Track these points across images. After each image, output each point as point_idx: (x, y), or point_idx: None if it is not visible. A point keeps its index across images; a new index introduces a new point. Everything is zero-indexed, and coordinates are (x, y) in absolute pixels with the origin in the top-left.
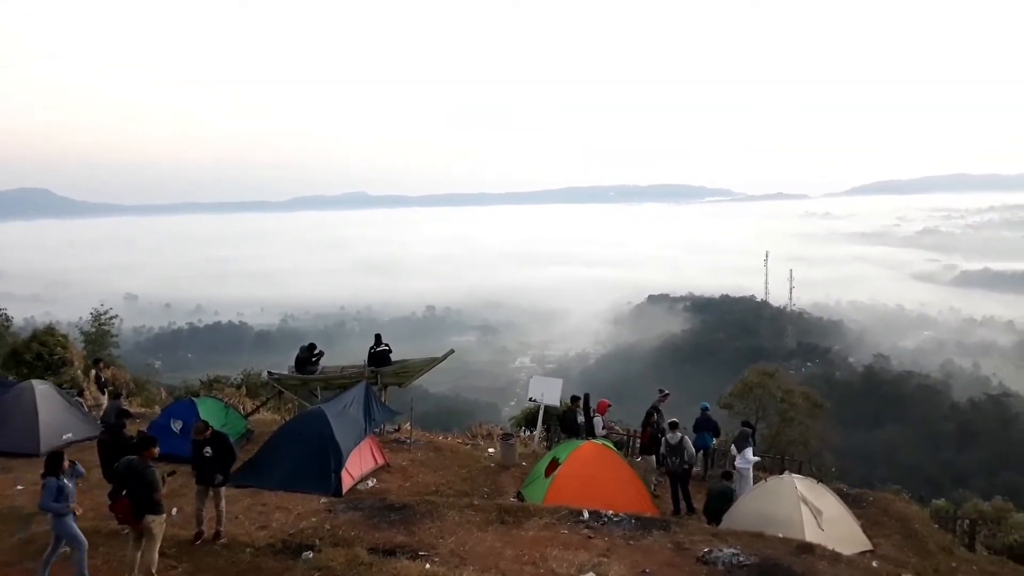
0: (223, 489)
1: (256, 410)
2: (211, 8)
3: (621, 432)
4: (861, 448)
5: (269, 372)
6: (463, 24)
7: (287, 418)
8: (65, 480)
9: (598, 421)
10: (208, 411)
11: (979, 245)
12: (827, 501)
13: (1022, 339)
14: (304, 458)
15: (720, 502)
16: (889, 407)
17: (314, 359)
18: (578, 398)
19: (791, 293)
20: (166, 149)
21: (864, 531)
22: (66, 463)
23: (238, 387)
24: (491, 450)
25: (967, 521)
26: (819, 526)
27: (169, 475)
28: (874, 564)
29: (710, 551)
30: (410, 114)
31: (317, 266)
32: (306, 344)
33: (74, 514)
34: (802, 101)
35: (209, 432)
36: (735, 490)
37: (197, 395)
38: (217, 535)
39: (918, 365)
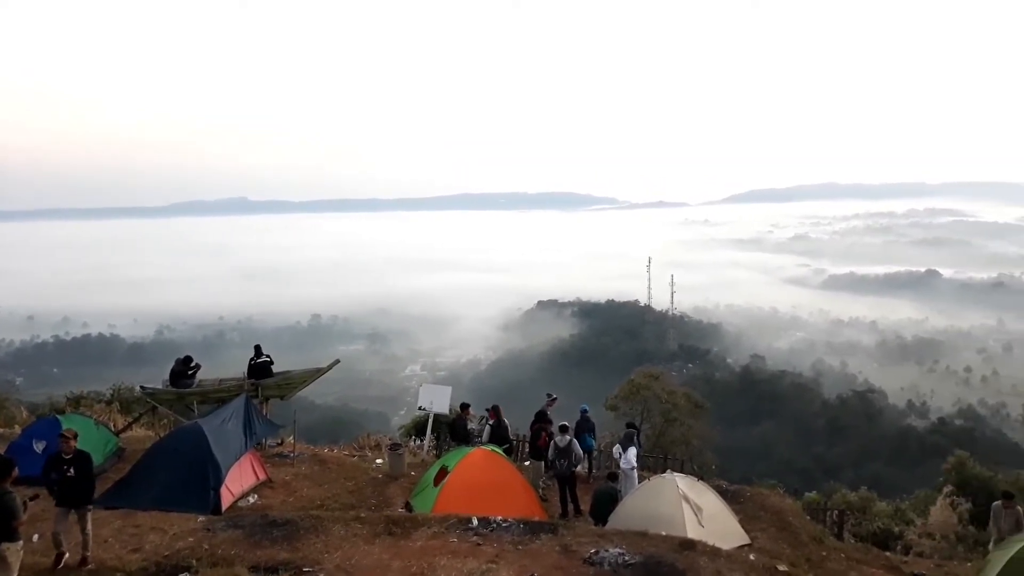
0: (89, 511)
1: (128, 427)
2: None
3: (510, 438)
4: (740, 445)
5: (142, 386)
6: (346, 20)
7: (162, 434)
8: None
9: (506, 426)
10: (75, 429)
11: (845, 250)
12: (707, 498)
13: (884, 339)
14: (180, 476)
15: (606, 503)
16: (765, 405)
17: (190, 372)
18: (467, 405)
19: (672, 297)
20: (22, 149)
21: (742, 525)
22: None
23: (108, 403)
24: (379, 461)
25: (836, 512)
26: (700, 523)
27: (31, 500)
28: (752, 557)
29: (596, 552)
30: (295, 116)
31: (195, 274)
32: (182, 356)
33: None
34: (680, 111)
35: (74, 447)
36: (620, 490)
37: (63, 412)
38: (84, 561)
39: (791, 364)
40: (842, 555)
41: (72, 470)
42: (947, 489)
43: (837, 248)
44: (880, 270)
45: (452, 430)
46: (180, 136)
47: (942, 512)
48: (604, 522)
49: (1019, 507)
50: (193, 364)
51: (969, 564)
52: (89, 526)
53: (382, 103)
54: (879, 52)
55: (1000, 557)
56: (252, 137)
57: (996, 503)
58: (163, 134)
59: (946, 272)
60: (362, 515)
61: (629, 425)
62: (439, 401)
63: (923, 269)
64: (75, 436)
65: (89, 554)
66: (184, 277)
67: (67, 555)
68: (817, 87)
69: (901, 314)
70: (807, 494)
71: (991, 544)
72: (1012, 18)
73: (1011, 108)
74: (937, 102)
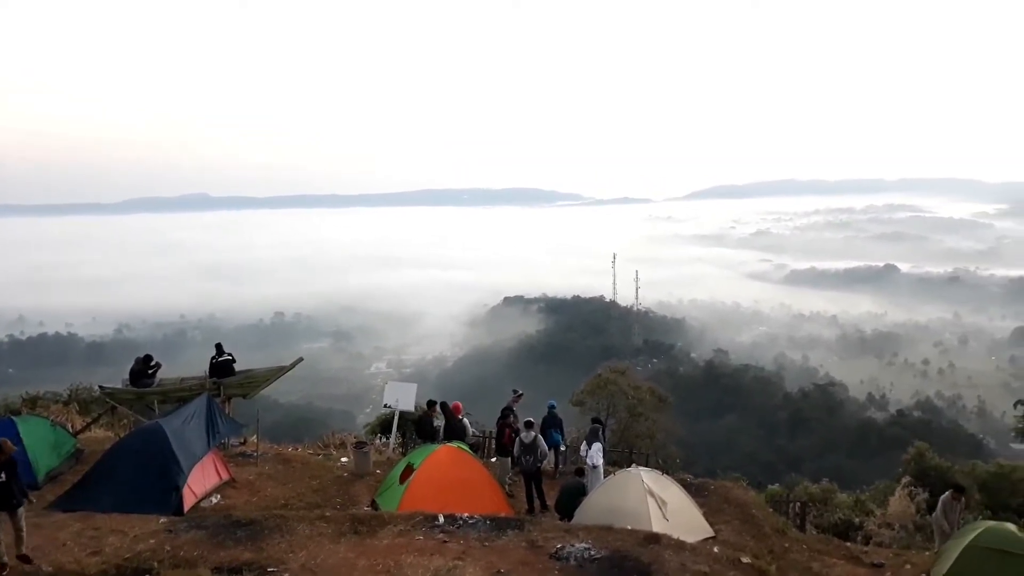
0: (22, 510)
1: (87, 427)
2: None
3: (478, 434)
4: (704, 438)
5: (101, 386)
6: (306, 13)
7: (121, 435)
8: None
9: (466, 423)
10: (31, 431)
11: (806, 245)
12: (672, 492)
13: (845, 332)
14: (141, 476)
15: (572, 498)
16: (729, 398)
17: (150, 371)
18: (434, 403)
19: (637, 293)
20: None
21: (706, 518)
22: None
23: (66, 403)
24: (344, 459)
25: (798, 504)
26: (664, 516)
27: None
28: (715, 549)
29: (562, 547)
30: (257, 110)
31: (155, 272)
32: (142, 356)
33: None
34: (643, 109)
35: (7, 454)
36: (587, 485)
37: (18, 413)
38: (24, 558)
39: (754, 358)
40: (804, 546)
41: (3, 475)
42: (905, 480)
43: (798, 243)
44: (840, 265)
45: (418, 427)
46: (137, 131)
47: (901, 502)
48: (570, 517)
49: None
50: (153, 363)
51: (927, 553)
52: (22, 521)
53: (344, 98)
54: (836, 51)
55: (955, 546)
56: (213, 132)
57: (945, 495)
58: (119, 129)
59: (904, 267)
60: (327, 514)
61: (595, 420)
62: (404, 399)
63: (882, 264)
64: (10, 446)
65: (26, 549)
66: (143, 275)
67: (9, 564)
68: (775, 86)
69: (861, 308)
70: (770, 486)
71: (936, 537)
72: (967, 20)
73: (966, 106)
74: (894, 100)
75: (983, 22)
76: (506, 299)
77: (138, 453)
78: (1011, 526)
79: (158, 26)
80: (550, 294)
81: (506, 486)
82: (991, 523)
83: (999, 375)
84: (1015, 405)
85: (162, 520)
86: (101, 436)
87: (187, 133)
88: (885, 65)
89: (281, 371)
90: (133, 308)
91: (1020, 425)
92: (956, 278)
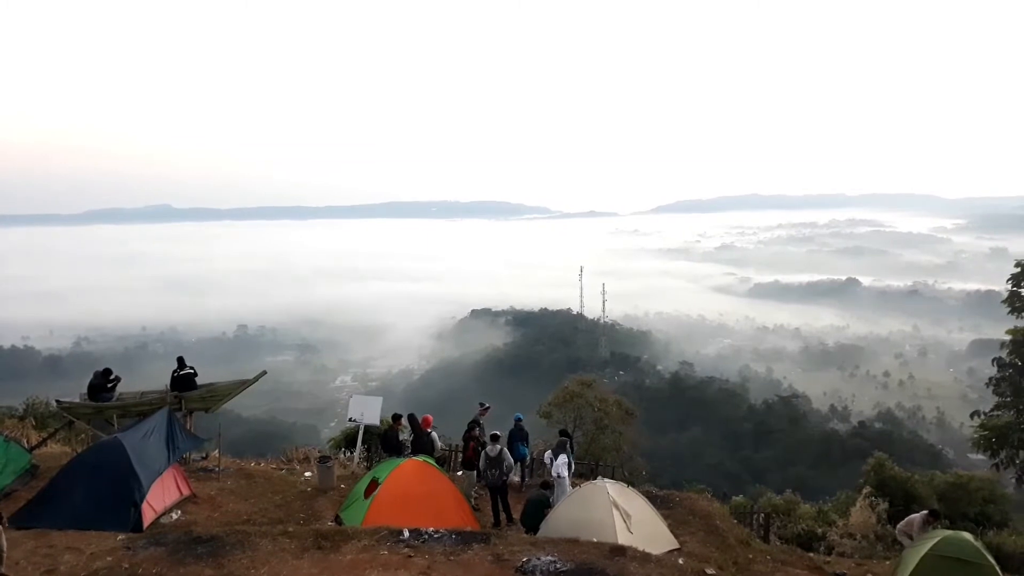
0: None
1: (43, 443)
2: None
3: (444, 448)
4: (670, 450)
5: (58, 400)
6: (271, 25)
7: (79, 450)
8: None
9: (434, 436)
10: None
11: (769, 259)
12: (637, 504)
13: (808, 345)
14: (99, 492)
15: (538, 510)
16: (694, 410)
17: (110, 385)
18: (400, 416)
19: (604, 306)
20: None
21: (671, 530)
22: None
23: (22, 418)
24: (308, 474)
25: (762, 515)
26: (629, 529)
27: None
28: (680, 561)
29: (528, 560)
30: (222, 121)
31: (116, 284)
32: (101, 369)
33: None
34: (610, 124)
35: None
36: (551, 497)
37: None
38: None
39: (719, 371)
40: (768, 557)
41: None
42: (866, 490)
43: (761, 257)
44: (803, 278)
45: (384, 441)
46: (100, 141)
47: (862, 513)
48: (535, 530)
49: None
50: (113, 377)
51: (887, 562)
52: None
53: (309, 109)
54: (799, 70)
55: (914, 554)
56: (177, 143)
57: (919, 516)
58: (79, 139)
59: (865, 280)
60: (290, 529)
61: (563, 433)
62: (369, 412)
63: (843, 277)
64: None
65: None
66: (104, 287)
67: None
68: (739, 103)
69: (823, 321)
70: (735, 498)
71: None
72: (926, 43)
73: (926, 124)
74: (856, 117)
75: (942, 46)
76: (474, 312)
77: (96, 469)
78: (967, 535)
79: (121, 36)
80: (518, 307)
81: (472, 500)
82: (948, 532)
83: (957, 387)
84: (971, 416)
85: (120, 537)
86: (58, 451)
87: (151, 144)
88: (847, 84)
89: (244, 385)
90: (93, 321)
91: (976, 436)
92: (915, 291)
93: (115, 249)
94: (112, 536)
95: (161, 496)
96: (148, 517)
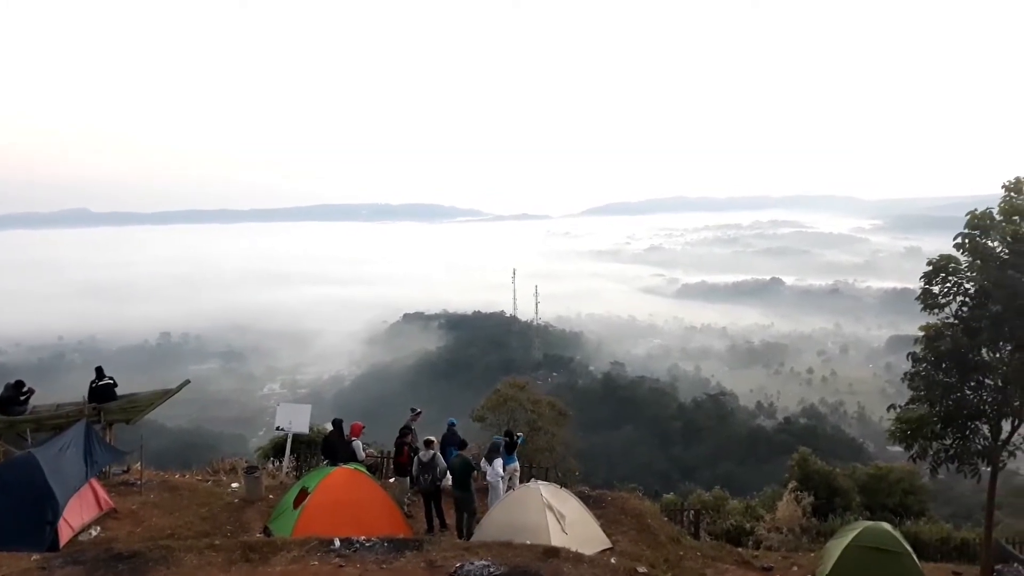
0: None
1: None
2: None
3: (375, 455)
4: (603, 449)
5: None
6: (199, 25)
7: None
8: None
9: (357, 445)
10: None
11: (696, 260)
12: (570, 505)
13: (734, 343)
14: (11, 511)
15: (465, 472)
16: (626, 410)
17: (23, 398)
18: (341, 421)
19: (537, 307)
20: None
21: (604, 530)
22: None
23: None
24: (235, 485)
25: (692, 512)
26: (563, 530)
27: None
28: (613, 561)
29: (462, 566)
30: (143, 121)
31: (29, 291)
32: (12, 381)
33: None
34: (540, 127)
35: None
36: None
37: None
38: None
39: (649, 370)
40: (698, 553)
41: None
42: (792, 484)
43: (689, 258)
44: (729, 279)
45: (325, 447)
46: (9, 141)
47: (788, 507)
48: (468, 489)
49: None
50: (26, 389)
51: (812, 555)
52: None
53: (235, 107)
54: (721, 75)
55: (836, 546)
56: (95, 143)
57: None
58: None
59: (788, 280)
60: (216, 542)
61: (506, 434)
62: (298, 420)
63: (768, 277)
64: None
65: None
66: (16, 294)
67: None
68: (664, 107)
69: (749, 320)
70: (665, 495)
71: None
72: (848, 49)
73: (844, 127)
74: (778, 121)
75: (864, 52)
76: (406, 315)
77: (9, 486)
78: (887, 525)
79: (36, 30)
80: (450, 310)
81: (405, 506)
82: (869, 523)
83: (876, 382)
84: (887, 409)
85: (35, 557)
86: None
87: (66, 143)
88: (768, 88)
89: (166, 395)
90: (4, 330)
91: (892, 428)
92: (836, 290)
93: (28, 254)
94: (26, 557)
95: (79, 512)
96: (65, 535)
